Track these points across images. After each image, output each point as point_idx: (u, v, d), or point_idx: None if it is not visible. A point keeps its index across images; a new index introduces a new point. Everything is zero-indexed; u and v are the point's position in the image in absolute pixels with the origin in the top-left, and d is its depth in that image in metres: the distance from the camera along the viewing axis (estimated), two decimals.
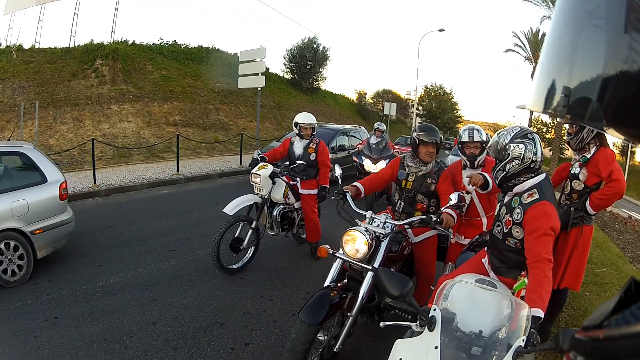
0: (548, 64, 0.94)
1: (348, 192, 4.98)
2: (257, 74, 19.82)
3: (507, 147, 3.66)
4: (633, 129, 0.69)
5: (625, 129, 0.71)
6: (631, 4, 0.67)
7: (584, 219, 5.01)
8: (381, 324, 3.20)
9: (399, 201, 5.36)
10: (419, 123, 49.10)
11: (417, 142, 5.05)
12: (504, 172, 3.71)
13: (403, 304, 2.92)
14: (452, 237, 5.57)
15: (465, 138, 5.26)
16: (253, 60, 20.23)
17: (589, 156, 4.88)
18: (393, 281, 2.84)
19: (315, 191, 7.62)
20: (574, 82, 0.80)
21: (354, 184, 5.28)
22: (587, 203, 4.91)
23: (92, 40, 24.38)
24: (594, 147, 4.85)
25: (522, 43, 39.48)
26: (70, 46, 24.42)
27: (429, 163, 5.15)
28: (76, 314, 5.47)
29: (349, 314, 4.11)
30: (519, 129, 3.78)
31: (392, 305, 3.08)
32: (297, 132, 7.61)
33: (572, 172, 5.16)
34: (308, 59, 40.59)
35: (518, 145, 3.63)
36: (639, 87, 0.65)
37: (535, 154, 3.63)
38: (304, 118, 7.56)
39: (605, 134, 4.69)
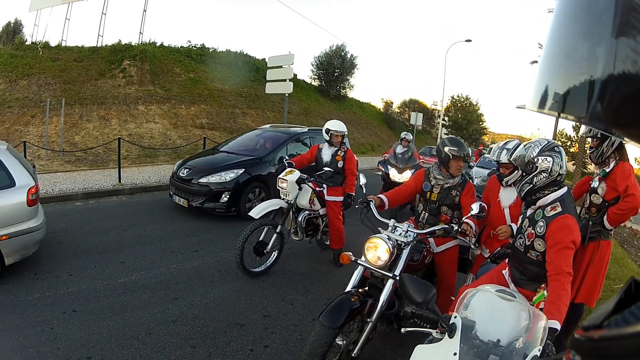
0: (548, 63, 0.94)
1: (372, 200, 4.99)
2: (285, 80, 19.75)
3: (535, 160, 3.66)
4: (634, 129, 0.70)
5: (626, 129, 0.71)
6: (631, 4, 0.68)
7: (601, 234, 5.01)
8: (402, 329, 3.27)
9: (423, 212, 5.41)
10: (444, 134, 49.25)
11: (450, 157, 5.05)
12: (531, 185, 3.72)
13: (424, 311, 2.96)
14: (473, 246, 5.51)
15: None
16: (281, 66, 20.19)
17: (608, 170, 4.88)
18: (417, 287, 2.91)
19: (341, 198, 7.64)
20: (573, 82, 0.80)
21: (379, 195, 5.31)
22: (605, 217, 4.90)
23: (120, 40, 24.64)
24: (614, 162, 4.85)
25: None
26: (98, 45, 24.69)
27: (457, 176, 5.18)
28: (95, 309, 5.52)
29: (368, 320, 4.12)
30: (546, 141, 3.78)
31: (412, 312, 3.09)
32: (328, 139, 7.62)
33: (591, 185, 5.17)
34: (336, 67, 40.60)
35: (546, 159, 3.63)
36: (638, 87, 0.65)
37: (562, 167, 3.65)
38: (336, 126, 7.58)
39: (625, 149, 4.69)
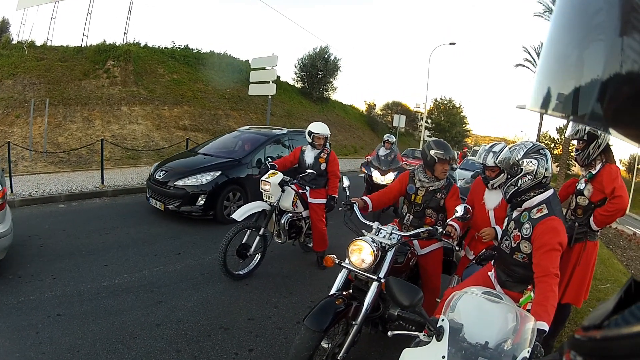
0: (548, 63, 0.94)
1: (355, 202, 4.98)
2: (268, 82, 19.77)
3: (520, 162, 3.68)
4: (634, 129, 0.69)
5: (626, 129, 0.70)
6: (630, 3, 0.67)
7: (587, 235, 5.04)
8: (389, 333, 3.22)
9: (408, 214, 5.40)
10: (427, 136, 49.27)
11: (436, 160, 5.04)
12: (516, 188, 3.73)
13: (410, 314, 2.93)
14: (456, 248, 5.54)
15: None
16: (264, 68, 20.22)
17: (594, 172, 4.91)
18: (404, 290, 2.89)
19: (323, 201, 7.65)
20: (573, 82, 0.80)
21: (363, 197, 5.29)
22: (591, 219, 4.94)
23: (105, 40, 24.44)
24: (600, 164, 4.88)
25: (532, 58, 39.10)
26: (83, 45, 24.52)
27: (442, 179, 5.18)
28: (79, 312, 5.47)
29: (353, 323, 4.11)
30: (531, 144, 3.81)
31: (397, 315, 3.08)
32: (310, 141, 7.63)
33: (577, 187, 5.20)
34: (319, 69, 40.70)
35: (531, 161, 3.65)
36: (639, 88, 0.65)
37: (547, 169, 3.66)
38: (319, 128, 7.57)
39: (611, 151, 4.74)
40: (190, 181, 9.99)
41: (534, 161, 3.63)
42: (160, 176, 10.39)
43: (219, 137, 13.66)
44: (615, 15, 0.70)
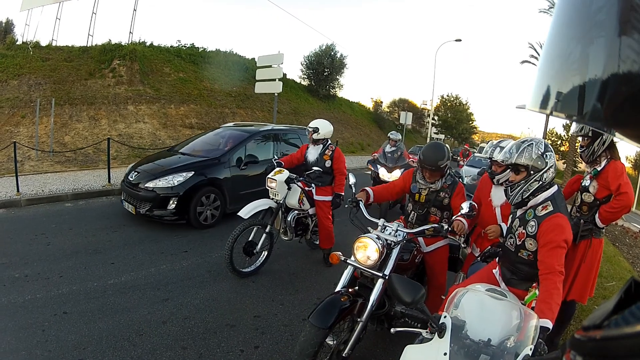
0: (548, 62, 0.94)
1: (361, 200, 4.98)
2: (275, 80, 19.69)
3: (545, 155, 3.62)
4: (633, 129, 0.69)
5: (626, 129, 0.70)
6: (630, 4, 0.68)
7: (593, 232, 5.01)
8: (392, 329, 3.21)
9: (412, 212, 5.37)
10: (434, 133, 49.11)
11: (418, 165, 5.07)
12: (540, 182, 3.65)
13: (414, 311, 2.91)
14: (463, 245, 5.52)
15: None
16: (270, 66, 20.12)
17: (599, 169, 4.88)
18: (406, 287, 2.89)
19: (330, 198, 7.61)
20: (573, 82, 0.80)
21: (365, 188, 5.31)
22: (596, 216, 4.91)
23: (110, 40, 24.52)
24: (605, 160, 4.85)
25: (538, 54, 38.80)
26: (88, 45, 24.58)
27: (434, 182, 5.12)
28: (86, 310, 5.49)
29: (358, 320, 4.11)
30: (539, 140, 3.75)
31: (402, 312, 3.07)
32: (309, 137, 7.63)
33: (582, 184, 5.17)
34: (325, 66, 40.76)
35: (552, 154, 3.63)
36: (638, 88, 0.65)
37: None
38: (312, 123, 7.58)
39: (616, 147, 4.70)
40: (161, 183, 9.26)
41: (552, 153, 3.62)
42: (132, 177, 9.77)
43: (201, 135, 12.90)
44: (615, 14, 0.70)
